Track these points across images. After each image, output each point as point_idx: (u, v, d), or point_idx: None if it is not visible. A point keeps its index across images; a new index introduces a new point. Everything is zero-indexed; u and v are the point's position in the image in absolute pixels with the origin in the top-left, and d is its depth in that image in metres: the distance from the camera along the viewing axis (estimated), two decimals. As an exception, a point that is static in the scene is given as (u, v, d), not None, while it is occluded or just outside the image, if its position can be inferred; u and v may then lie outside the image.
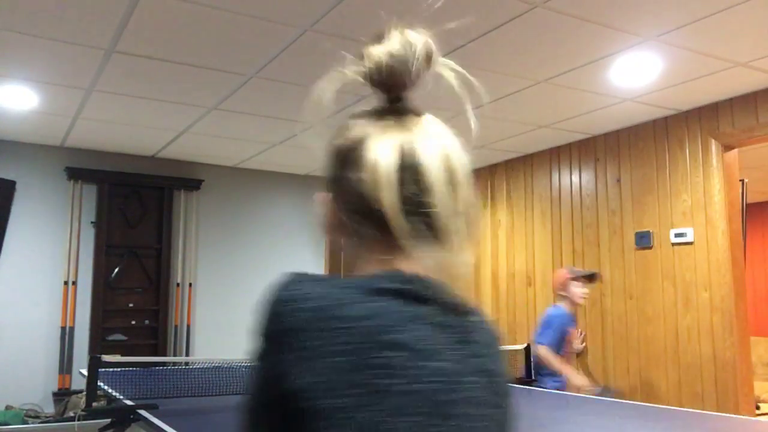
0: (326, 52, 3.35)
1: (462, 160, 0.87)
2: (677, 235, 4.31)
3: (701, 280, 4.16)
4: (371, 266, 0.79)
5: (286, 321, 0.69)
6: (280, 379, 0.68)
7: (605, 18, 2.96)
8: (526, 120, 4.58)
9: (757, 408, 5.06)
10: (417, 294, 0.74)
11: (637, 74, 3.66)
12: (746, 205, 4.56)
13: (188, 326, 5.77)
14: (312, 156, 5.73)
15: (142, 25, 3.03)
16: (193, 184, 5.88)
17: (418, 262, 0.77)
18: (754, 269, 7.69)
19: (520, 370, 3.99)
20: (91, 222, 5.45)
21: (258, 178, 6.31)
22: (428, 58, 0.88)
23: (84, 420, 4.55)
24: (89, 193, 5.47)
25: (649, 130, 4.59)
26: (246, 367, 4.57)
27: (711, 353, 4.08)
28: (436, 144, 0.85)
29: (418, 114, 0.88)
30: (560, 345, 3.96)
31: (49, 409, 5.09)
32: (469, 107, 0.90)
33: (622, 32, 3.11)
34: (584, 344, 4.85)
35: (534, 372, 3.95)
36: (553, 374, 3.89)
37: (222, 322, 5.95)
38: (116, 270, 5.51)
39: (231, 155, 5.71)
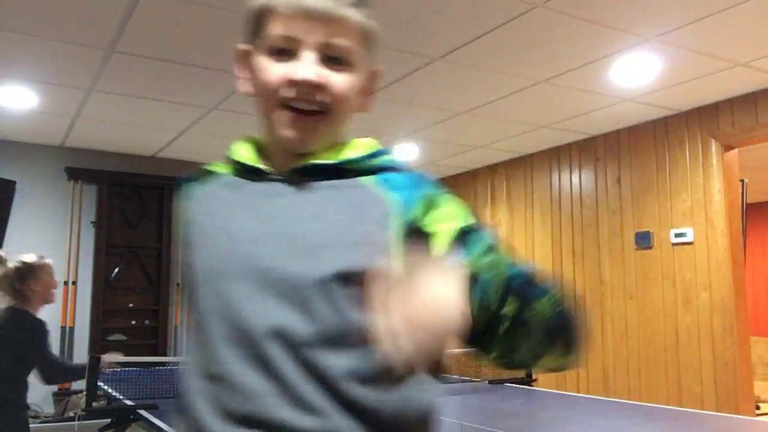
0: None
1: None
2: (677, 235, 4.31)
3: (701, 280, 4.16)
4: None
5: None
6: None
7: (605, 18, 2.96)
8: (526, 120, 4.58)
9: (757, 408, 5.06)
10: None
11: (637, 74, 3.66)
12: (746, 205, 4.56)
13: (188, 326, 5.77)
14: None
15: (142, 25, 3.03)
16: (193, 184, 5.87)
17: None
18: (754, 269, 7.70)
19: (519, 370, 3.99)
20: (91, 222, 5.45)
21: (258, 178, 6.30)
22: None
23: (84, 420, 4.55)
24: (89, 193, 5.47)
25: (649, 130, 4.59)
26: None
27: (711, 353, 4.08)
28: None
29: None
30: None
31: (49, 409, 5.08)
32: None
33: (622, 32, 3.11)
34: None
35: None
36: None
37: (222, 322, 5.94)
38: (116, 270, 5.51)
39: (231, 155, 5.70)
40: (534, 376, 3.92)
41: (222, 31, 3.10)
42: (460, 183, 6.44)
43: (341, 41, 0.84)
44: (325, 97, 0.84)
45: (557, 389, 4.94)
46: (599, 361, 4.80)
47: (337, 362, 0.79)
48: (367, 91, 0.94)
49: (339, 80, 0.85)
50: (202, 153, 5.63)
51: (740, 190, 4.25)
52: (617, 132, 4.82)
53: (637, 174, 4.65)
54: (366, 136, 0.95)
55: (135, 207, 5.66)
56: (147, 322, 5.61)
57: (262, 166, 0.90)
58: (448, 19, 2.97)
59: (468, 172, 6.34)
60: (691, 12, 2.89)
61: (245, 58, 0.92)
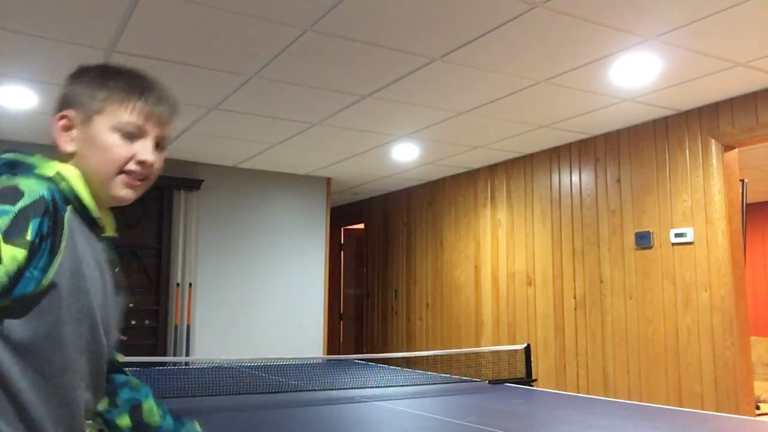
0: (326, 52, 3.35)
1: None
2: (677, 235, 4.31)
3: (701, 280, 4.16)
4: None
5: None
6: None
7: (605, 18, 2.96)
8: (526, 120, 4.58)
9: (757, 408, 5.06)
10: None
11: (637, 74, 3.66)
12: (746, 205, 4.56)
13: (188, 326, 5.77)
14: (311, 156, 5.73)
15: (142, 25, 3.03)
16: (193, 184, 5.88)
17: None
18: (754, 269, 7.70)
19: (519, 370, 3.99)
20: (91, 222, 5.45)
21: (258, 178, 6.31)
22: None
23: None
24: (89, 193, 5.47)
25: (649, 130, 4.59)
26: (247, 366, 4.56)
27: (711, 353, 4.08)
28: None
29: None
30: None
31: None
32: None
33: (622, 32, 3.11)
34: None
35: None
36: None
37: (222, 322, 5.95)
38: (116, 270, 5.50)
39: (231, 155, 5.71)
40: (534, 376, 3.92)
41: (222, 31, 3.10)
42: (460, 183, 6.44)
43: (167, 135, 1.23)
44: (150, 172, 1.17)
45: (557, 389, 4.94)
46: (599, 361, 4.80)
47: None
48: None
49: (159, 161, 1.19)
50: (202, 153, 5.63)
51: (740, 190, 4.25)
52: (617, 132, 4.82)
53: (637, 174, 4.65)
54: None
55: (135, 207, 5.66)
56: (147, 322, 5.61)
57: (104, 225, 1.16)
58: (448, 19, 2.97)
59: (468, 172, 6.34)
60: (691, 12, 2.90)
61: (72, 123, 1.16)
